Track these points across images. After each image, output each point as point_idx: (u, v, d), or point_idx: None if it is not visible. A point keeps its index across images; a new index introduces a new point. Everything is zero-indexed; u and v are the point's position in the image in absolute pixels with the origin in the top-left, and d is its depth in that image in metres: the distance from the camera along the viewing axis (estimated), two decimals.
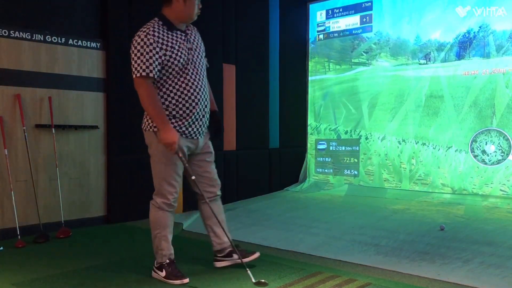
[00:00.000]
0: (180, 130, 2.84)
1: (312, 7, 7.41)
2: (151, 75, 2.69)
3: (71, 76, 4.54)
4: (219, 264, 3.17)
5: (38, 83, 4.31)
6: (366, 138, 6.79)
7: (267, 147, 6.65)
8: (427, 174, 6.25)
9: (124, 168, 4.88)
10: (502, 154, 5.69)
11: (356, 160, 6.86)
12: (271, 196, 6.44)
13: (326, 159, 7.19)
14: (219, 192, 3.14)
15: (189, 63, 2.81)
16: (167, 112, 2.82)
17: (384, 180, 6.59)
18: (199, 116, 2.88)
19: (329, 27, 7.22)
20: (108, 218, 4.78)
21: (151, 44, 2.66)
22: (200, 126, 2.91)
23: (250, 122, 6.25)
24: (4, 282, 2.92)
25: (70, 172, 4.54)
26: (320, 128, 7.28)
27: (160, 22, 2.76)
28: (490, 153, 5.77)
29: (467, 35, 5.96)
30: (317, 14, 7.34)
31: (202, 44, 2.99)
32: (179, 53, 2.77)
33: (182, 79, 2.79)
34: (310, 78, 7.41)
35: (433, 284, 2.82)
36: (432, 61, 6.25)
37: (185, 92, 2.80)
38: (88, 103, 4.67)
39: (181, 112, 2.82)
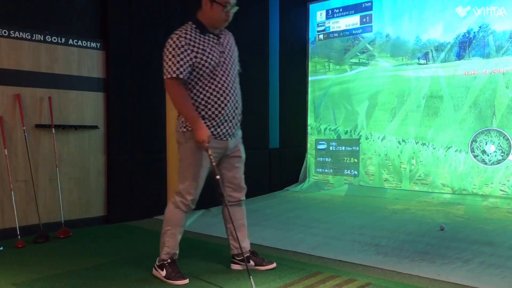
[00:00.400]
0: (215, 130, 2.87)
1: (312, 7, 7.41)
2: (181, 76, 2.73)
3: (71, 76, 4.55)
4: (235, 267, 3.16)
5: (38, 83, 4.31)
6: (366, 138, 6.79)
7: (267, 147, 6.65)
8: (427, 174, 6.25)
9: (124, 168, 4.88)
10: (502, 154, 5.70)
11: (356, 160, 6.86)
12: (271, 196, 6.44)
13: (326, 159, 7.19)
14: (243, 198, 3.14)
15: (220, 65, 2.85)
16: (204, 113, 2.85)
17: (384, 180, 6.59)
18: (228, 117, 2.90)
19: (329, 27, 7.22)
20: (108, 218, 4.78)
21: (182, 46, 2.72)
22: (230, 128, 2.93)
23: (250, 122, 6.22)
24: (4, 282, 2.92)
25: (70, 172, 4.54)
26: (320, 128, 7.28)
27: (194, 26, 2.82)
28: (490, 153, 5.77)
29: (467, 35, 5.96)
30: (317, 14, 7.34)
31: (236, 49, 3.05)
32: (210, 56, 2.81)
33: (212, 80, 2.82)
34: (310, 78, 7.41)
35: (433, 284, 2.82)
36: (432, 61, 6.25)
37: (214, 93, 2.83)
38: (88, 103, 4.67)
39: (209, 112, 2.84)
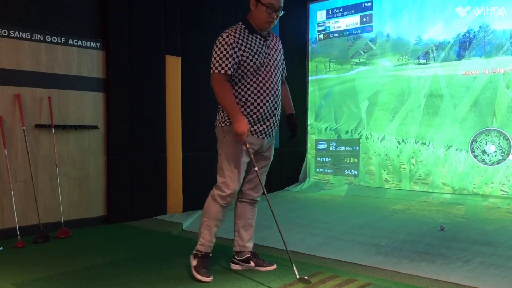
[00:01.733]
0: (253, 127, 2.92)
1: (312, 7, 7.41)
2: (228, 72, 2.81)
3: (71, 76, 4.54)
4: (234, 267, 3.18)
5: (38, 83, 4.31)
6: (366, 138, 6.79)
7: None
8: (427, 174, 6.25)
9: (124, 168, 4.88)
10: (502, 154, 5.69)
11: (356, 160, 6.86)
12: (271, 196, 6.37)
13: (326, 159, 7.19)
14: (258, 198, 3.19)
15: (264, 66, 2.92)
16: (243, 111, 2.91)
17: (384, 180, 6.59)
18: (266, 116, 2.95)
19: (329, 27, 7.22)
20: (108, 218, 4.78)
21: (231, 44, 2.81)
22: (267, 126, 2.97)
23: None
24: (4, 282, 2.92)
25: (70, 172, 4.53)
26: (320, 127, 7.28)
27: (243, 26, 2.91)
28: (490, 153, 5.77)
29: (467, 35, 5.96)
30: (317, 14, 7.34)
31: (282, 53, 3.12)
32: (256, 55, 2.89)
33: (254, 79, 2.89)
34: (310, 78, 7.41)
35: (433, 284, 2.82)
36: (432, 61, 6.25)
37: (255, 92, 2.90)
38: (88, 103, 4.67)
39: (248, 110, 2.90)
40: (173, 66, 5.34)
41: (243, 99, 2.89)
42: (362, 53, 6.85)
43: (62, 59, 4.48)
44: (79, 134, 4.60)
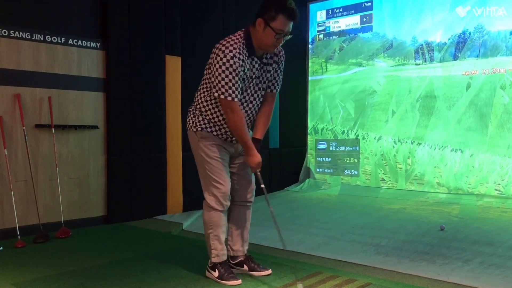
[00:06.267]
0: (224, 134, 2.86)
1: (312, 7, 7.41)
2: (236, 100, 2.70)
3: (71, 76, 4.54)
4: None
5: (38, 83, 4.31)
6: (363, 138, 6.81)
7: (267, 147, 6.65)
8: (423, 174, 6.26)
9: (124, 168, 4.88)
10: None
11: (356, 160, 6.87)
12: (271, 196, 6.43)
13: (326, 159, 7.19)
14: (251, 199, 3.10)
15: (250, 88, 2.82)
16: (216, 119, 2.83)
17: (381, 180, 6.60)
18: None
19: (329, 27, 7.22)
20: (108, 218, 4.78)
21: (237, 68, 2.65)
22: None
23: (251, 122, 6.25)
24: (4, 282, 2.92)
25: (70, 172, 4.53)
26: (317, 128, 7.29)
27: (244, 44, 2.73)
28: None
29: (466, 35, 5.96)
30: (317, 14, 7.34)
31: (278, 68, 2.96)
32: (246, 79, 2.77)
33: (240, 96, 2.77)
34: (310, 78, 7.41)
35: (433, 284, 2.82)
36: (429, 62, 6.25)
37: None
38: (88, 103, 4.67)
39: (220, 124, 2.84)
40: (173, 66, 5.34)
41: (218, 113, 2.80)
42: (361, 53, 6.85)
43: (62, 59, 4.48)
44: (79, 134, 4.60)
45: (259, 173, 2.86)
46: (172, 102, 5.31)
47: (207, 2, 5.75)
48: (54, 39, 4.42)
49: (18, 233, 3.95)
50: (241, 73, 2.70)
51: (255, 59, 2.79)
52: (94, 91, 4.71)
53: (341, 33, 7.08)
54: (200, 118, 2.87)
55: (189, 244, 3.92)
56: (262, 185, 2.85)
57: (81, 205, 4.62)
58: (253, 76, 2.82)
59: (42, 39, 4.33)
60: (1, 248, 3.73)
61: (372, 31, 6.74)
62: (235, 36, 2.75)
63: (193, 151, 2.96)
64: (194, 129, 2.88)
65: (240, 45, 2.70)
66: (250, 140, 2.81)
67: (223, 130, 2.85)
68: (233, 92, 2.67)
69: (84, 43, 4.63)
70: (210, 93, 2.81)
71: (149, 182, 5.08)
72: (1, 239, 3.93)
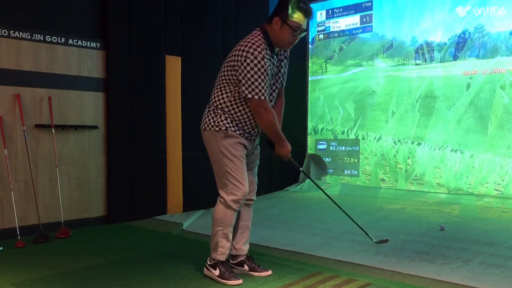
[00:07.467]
0: (247, 133, 2.93)
1: (312, 7, 7.38)
2: (267, 98, 2.81)
3: (71, 76, 4.54)
4: None
5: (38, 83, 4.31)
6: (363, 138, 6.81)
7: (267, 147, 6.64)
8: (423, 174, 6.26)
9: (124, 168, 4.88)
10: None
11: (356, 160, 6.87)
12: (271, 196, 6.44)
13: (326, 159, 7.19)
14: (253, 198, 3.11)
15: (271, 84, 2.92)
16: (242, 117, 2.89)
17: (381, 180, 6.60)
18: (255, 126, 2.97)
19: (329, 27, 7.22)
20: (108, 218, 4.78)
21: (267, 68, 2.75)
22: (259, 130, 3.00)
23: None
24: (4, 282, 2.92)
25: (70, 172, 4.53)
26: (317, 128, 7.29)
27: (265, 43, 2.79)
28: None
29: (466, 35, 5.96)
30: (317, 14, 7.34)
31: (286, 63, 3.08)
32: (271, 76, 2.89)
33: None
34: (310, 78, 7.41)
35: (433, 284, 2.82)
36: (429, 62, 6.25)
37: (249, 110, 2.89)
38: (88, 103, 4.67)
39: (241, 124, 2.90)
40: (173, 66, 5.34)
41: (248, 109, 2.85)
42: (361, 53, 6.85)
43: (62, 59, 4.48)
44: (79, 134, 4.60)
45: (292, 159, 3.14)
46: (172, 102, 5.31)
47: (207, 2, 5.75)
48: (54, 39, 4.42)
49: (18, 233, 3.95)
50: (270, 72, 2.80)
51: (275, 56, 2.89)
52: (94, 91, 4.71)
53: (341, 33, 7.08)
54: (223, 117, 2.86)
55: (189, 244, 3.92)
56: (301, 168, 3.25)
57: (81, 205, 4.62)
58: (274, 73, 2.92)
59: (42, 39, 4.33)
60: (1, 248, 3.73)
61: (372, 31, 6.74)
62: (256, 37, 2.80)
63: (211, 151, 2.93)
64: (217, 128, 2.86)
65: (263, 45, 2.77)
66: (281, 132, 2.95)
67: (247, 129, 2.91)
68: (265, 91, 2.77)
69: (84, 43, 4.64)
70: (235, 93, 2.83)
71: (149, 182, 5.08)
72: (1, 239, 3.93)
